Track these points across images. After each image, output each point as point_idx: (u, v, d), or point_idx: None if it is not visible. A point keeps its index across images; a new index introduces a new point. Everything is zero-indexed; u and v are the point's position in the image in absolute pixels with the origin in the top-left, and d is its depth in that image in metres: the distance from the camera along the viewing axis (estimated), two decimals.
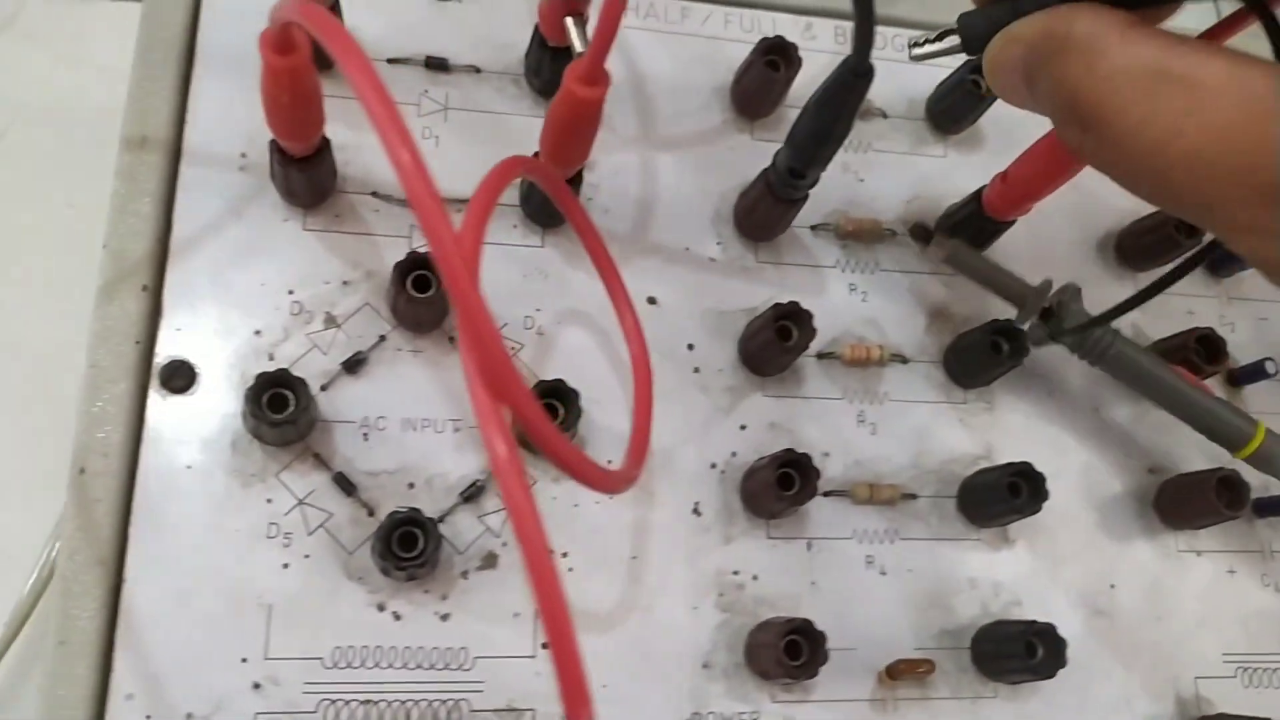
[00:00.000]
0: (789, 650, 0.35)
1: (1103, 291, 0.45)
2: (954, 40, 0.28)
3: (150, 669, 0.34)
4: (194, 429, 0.36)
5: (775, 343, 0.38)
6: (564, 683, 0.24)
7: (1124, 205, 0.46)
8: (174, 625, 0.34)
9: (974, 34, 0.27)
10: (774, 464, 0.36)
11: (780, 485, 0.37)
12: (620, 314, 0.36)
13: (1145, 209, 0.45)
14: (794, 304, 0.38)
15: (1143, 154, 0.21)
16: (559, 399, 0.36)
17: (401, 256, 0.36)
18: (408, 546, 0.34)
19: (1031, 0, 0.25)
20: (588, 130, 0.34)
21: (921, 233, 0.41)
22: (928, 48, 0.29)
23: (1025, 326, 0.40)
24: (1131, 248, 0.45)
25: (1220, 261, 0.46)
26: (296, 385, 0.34)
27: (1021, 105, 0.26)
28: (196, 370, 0.36)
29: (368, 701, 0.35)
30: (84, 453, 0.35)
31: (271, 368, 0.36)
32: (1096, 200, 0.46)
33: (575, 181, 0.38)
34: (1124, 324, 0.45)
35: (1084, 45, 0.22)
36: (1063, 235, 0.46)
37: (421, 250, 0.36)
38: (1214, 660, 0.42)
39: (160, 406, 0.36)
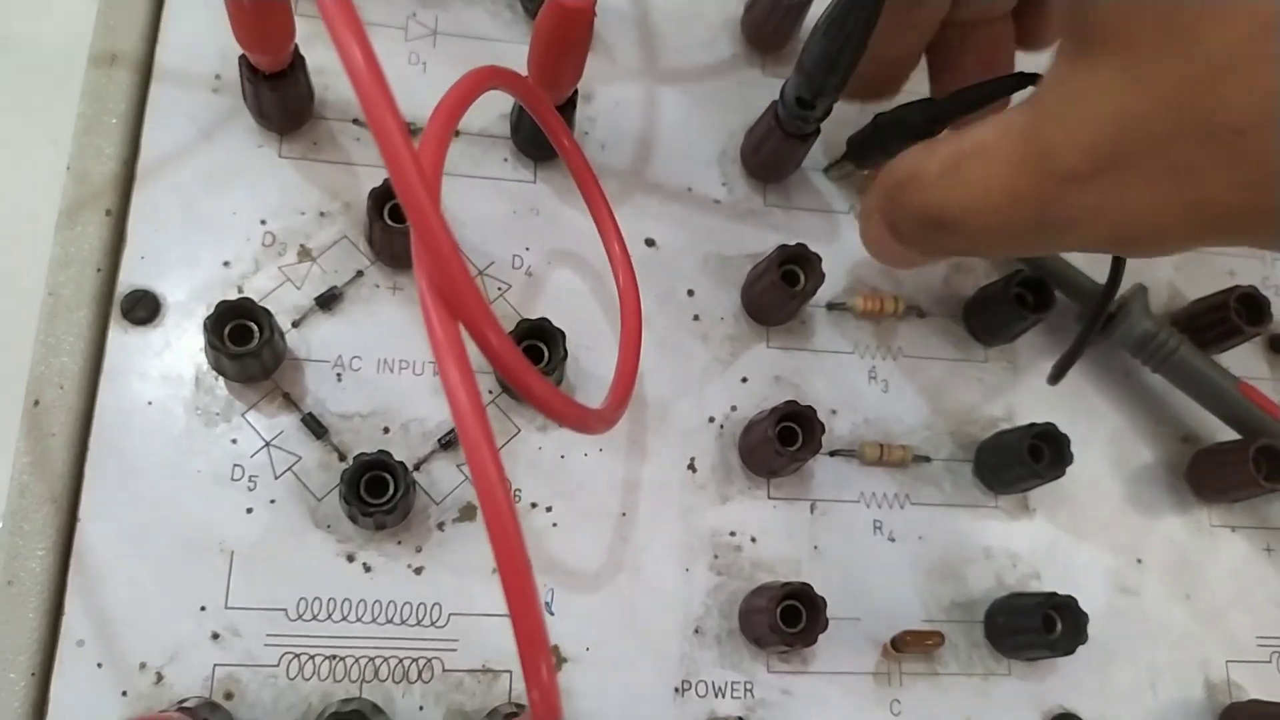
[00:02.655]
0: (785, 616, 0.33)
1: None
2: (849, 164, 0.38)
3: (103, 614, 0.31)
4: (156, 363, 0.34)
5: (780, 288, 0.35)
6: (521, 640, 0.22)
7: None
8: (129, 569, 0.32)
9: (859, 150, 0.37)
10: (774, 417, 0.34)
11: (781, 440, 0.34)
12: (605, 240, 0.34)
13: None
14: (801, 246, 0.35)
15: (983, 218, 0.25)
16: (543, 339, 0.33)
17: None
18: (377, 492, 0.31)
19: (890, 119, 0.34)
20: (576, 48, 0.31)
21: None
22: (833, 172, 0.39)
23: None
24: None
25: None
26: (260, 315, 0.31)
27: (904, 262, 0.31)
28: (160, 301, 0.34)
29: (333, 656, 0.32)
30: (38, 384, 0.33)
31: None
32: None
33: (568, 110, 0.35)
34: (1160, 284, 0.42)
35: (909, 175, 0.27)
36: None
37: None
38: (1246, 643, 0.39)
39: (121, 338, 0.34)
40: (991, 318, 0.38)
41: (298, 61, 0.33)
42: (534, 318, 0.34)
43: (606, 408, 0.28)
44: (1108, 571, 0.38)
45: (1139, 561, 0.39)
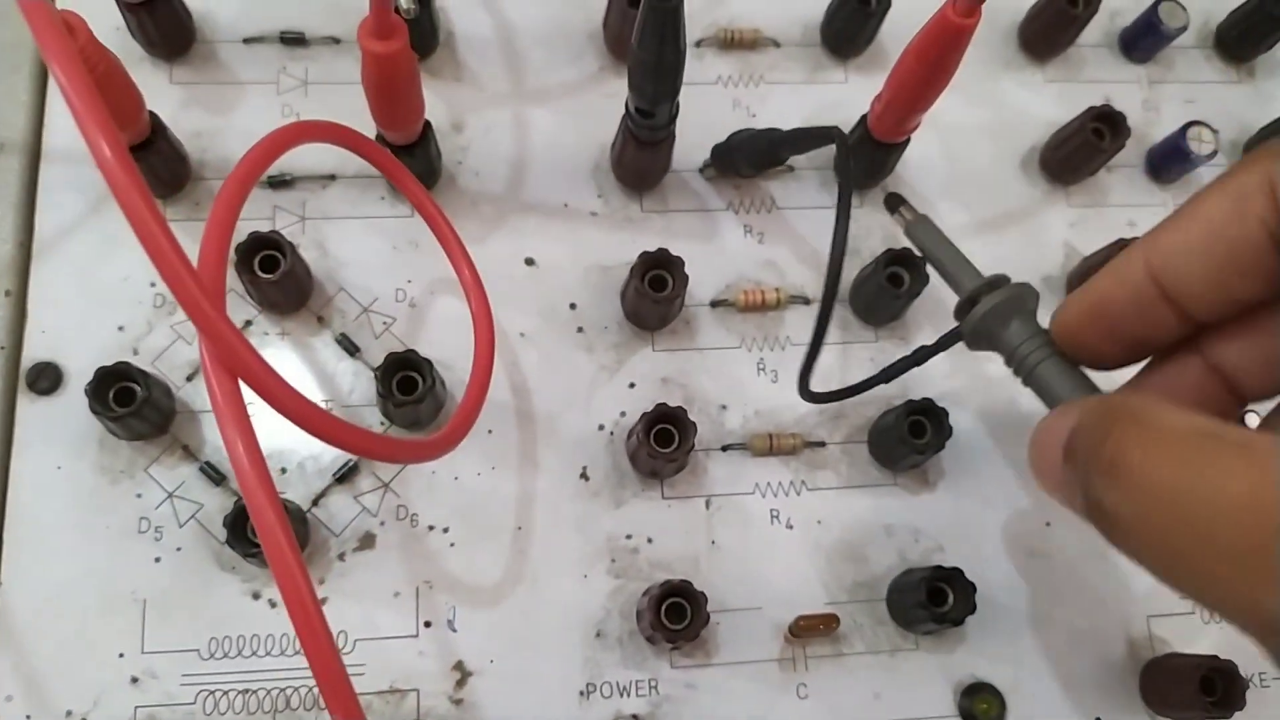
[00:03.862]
0: (670, 614, 0.34)
1: (1035, 213, 0.42)
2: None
3: (28, 669, 0.34)
4: (61, 430, 0.36)
5: (648, 294, 0.36)
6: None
7: (1045, 116, 0.43)
8: (50, 625, 0.34)
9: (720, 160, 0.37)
10: (645, 423, 0.35)
11: (658, 443, 0.35)
12: (455, 266, 0.35)
13: (1063, 119, 0.41)
14: (663, 251, 0.36)
15: (1179, 506, 0.20)
16: (414, 370, 0.35)
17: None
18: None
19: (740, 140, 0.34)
20: (402, 87, 0.32)
21: (893, 201, 0.38)
22: (706, 173, 0.40)
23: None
24: (1054, 161, 0.41)
25: (1157, 168, 0.43)
26: (138, 376, 0.33)
27: (1052, 483, 0.25)
28: (63, 370, 0.36)
29: (246, 691, 0.34)
30: None
31: (138, 362, 0.35)
32: (1016, 115, 0.43)
33: (422, 145, 0.36)
34: (1058, 242, 0.42)
35: (1138, 410, 0.21)
36: (981, 155, 0.43)
37: (264, 231, 0.35)
38: (1168, 597, 0.39)
39: (29, 409, 0.36)
40: (872, 300, 0.39)
41: (154, 129, 0.35)
42: (420, 351, 0.35)
43: (442, 433, 0.30)
44: (1016, 537, 0.38)
45: (1048, 524, 0.39)
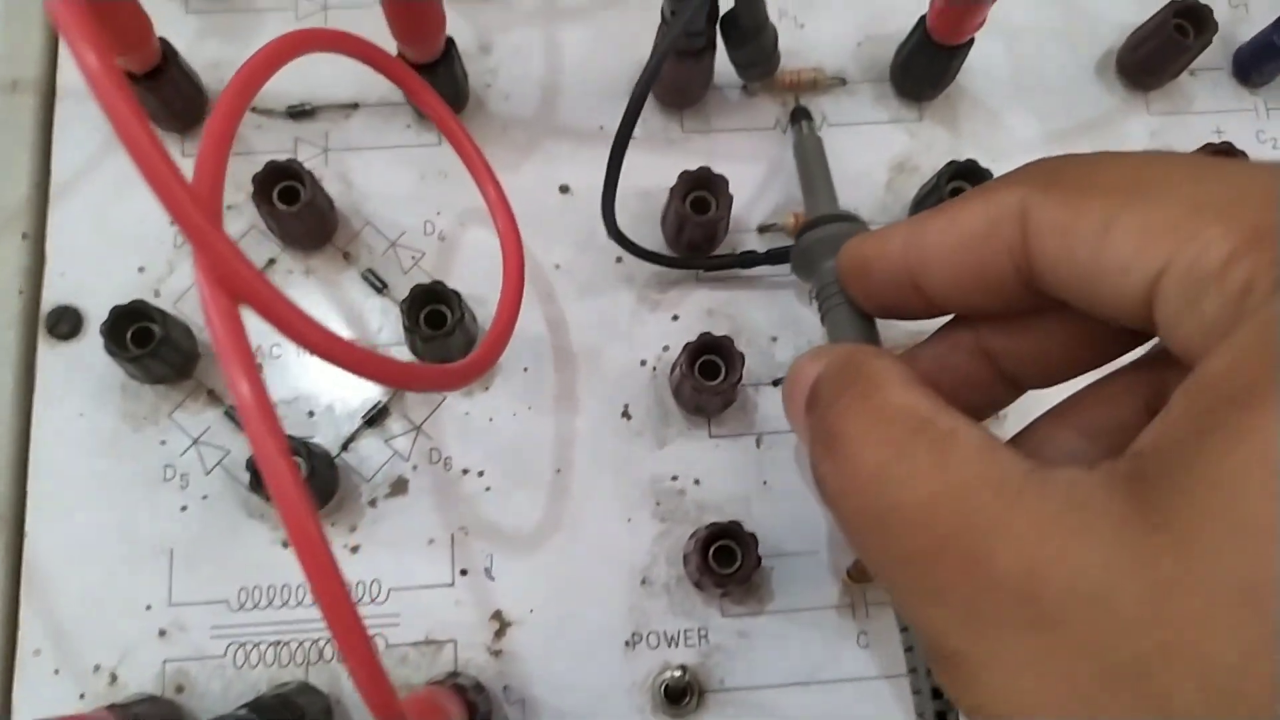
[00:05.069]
0: (719, 557, 0.31)
1: (1113, 122, 0.39)
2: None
3: (56, 622, 0.33)
4: (83, 375, 0.34)
5: (690, 217, 0.33)
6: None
7: (1121, 18, 0.39)
8: (77, 577, 0.33)
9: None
10: (688, 354, 0.32)
11: (703, 375, 0.32)
12: (478, 180, 0.33)
13: (1141, 19, 0.38)
14: (704, 170, 0.33)
15: (870, 495, 0.19)
16: (442, 302, 0.32)
17: None
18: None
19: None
20: None
21: (799, 113, 0.36)
22: (750, 87, 0.37)
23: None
24: (1132, 64, 0.38)
25: (1246, 69, 0.39)
26: (155, 315, 0.32)
27: (793, 419, 0.24)
28: (83, 314, 0.35)
29: (277, 642, 0.33)
30: None
31: (159, 303, 0.34)
32: (1089, 16, 0.39)
33: (445, 64, 0.34)
34: (1141, 135, 0.38)
35: (869, 377, 0.21)
36: (1052, 60, 0.39)
37: (281, 159, 0.33)
38: None
39: (49, 355, 0.35)
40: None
41: (165, 57, 0.33)
42: (452, 285, 0.33)
43: (470, 360, 0.27)
44: None
45: None
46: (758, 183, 0.37)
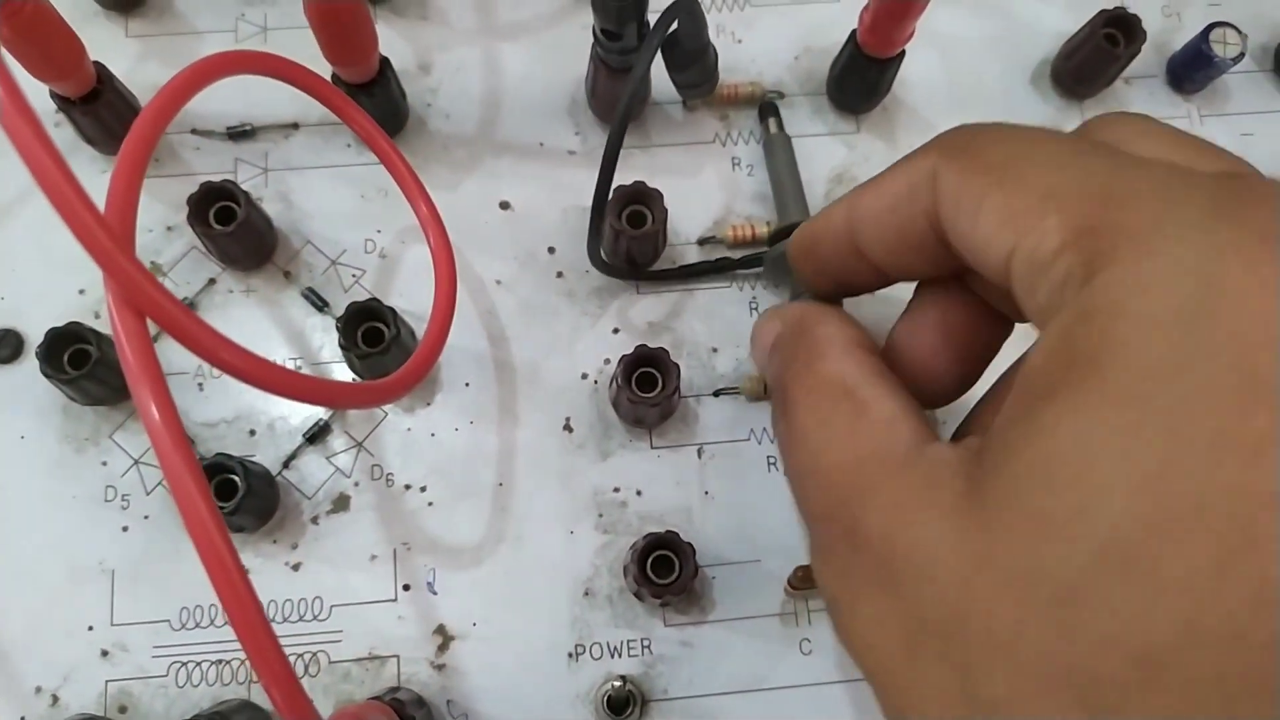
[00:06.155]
0: (656, 567, 0.31)
1: None
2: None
3: None
4: (24, 398, 0.34)
5: (625, 231, 0.34)
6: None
7: (1056, 26, 0.40)
8: (18, 600, 0.33)
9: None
10: (624, 367, 0.33)
11: (638, 388, 0.33)
12: (413, 204, 0.33)
13: (1074, 28, 0.38)
14: (639, 184, 0.34)
15: (799, 456, 0.21)
16: (377, 319, 0.33)
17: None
18: (226, 495, 0.31)
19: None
20: (346, 19, 0.30)
21: (766, 110, 0.37)
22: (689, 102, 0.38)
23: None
24: (1065, 73, 0.38)
25: (1179, 77, 0.39)
26: (90, 337, 0.32)
27: (761, 370, 0.27)
28: (23, 337, 0.35)
29: (219, 661, 0.33)
30: None
31: (100, 326, 0.34)
32: (1023, 27, 0.40)
33: (381, 84, 0.34)
34: None
35: (814, 343, 0.23)
36: (988, 70, 0.40)
37: (216, 180, 0.33)
38: None
39: None
40: None
41: (105, 81, 0.33)
42: (389, 302, 0.33)
43: (395, 377, 0.28)
44: None
45: None
46: (699, 195, 0.37)
